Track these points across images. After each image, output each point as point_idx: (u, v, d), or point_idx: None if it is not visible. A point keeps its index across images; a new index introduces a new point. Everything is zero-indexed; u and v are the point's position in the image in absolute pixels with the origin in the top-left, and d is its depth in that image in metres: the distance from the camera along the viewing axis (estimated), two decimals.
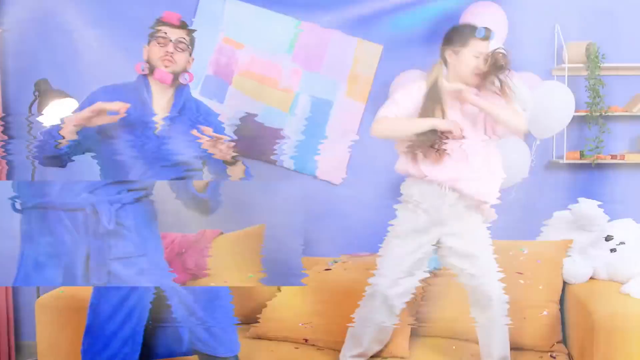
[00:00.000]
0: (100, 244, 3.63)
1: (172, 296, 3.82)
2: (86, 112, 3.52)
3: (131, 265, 3.70)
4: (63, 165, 3.83)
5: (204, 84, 5.95)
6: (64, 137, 3.67)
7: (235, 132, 4.12)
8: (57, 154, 3.69)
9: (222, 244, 5.01)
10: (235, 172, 3.88)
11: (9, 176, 6.03)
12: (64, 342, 4.33)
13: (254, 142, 5.90)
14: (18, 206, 3.75)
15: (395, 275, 4.20)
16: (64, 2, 5.97)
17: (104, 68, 5.78)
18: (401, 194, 4.35)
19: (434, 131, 4.10)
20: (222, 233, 5.05)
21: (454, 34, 4.28)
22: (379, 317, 4.23)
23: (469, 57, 4.16)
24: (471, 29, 4.20)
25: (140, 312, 3.76)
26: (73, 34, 5.97)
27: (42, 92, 5.70)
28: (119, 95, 3.78)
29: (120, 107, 3.51)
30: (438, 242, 4.26)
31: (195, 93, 5.75)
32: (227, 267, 4.81)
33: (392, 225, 4.33)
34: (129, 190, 3.74)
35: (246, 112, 5.88)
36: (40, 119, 5.47)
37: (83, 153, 3.83)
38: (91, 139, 3.77)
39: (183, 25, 3.87)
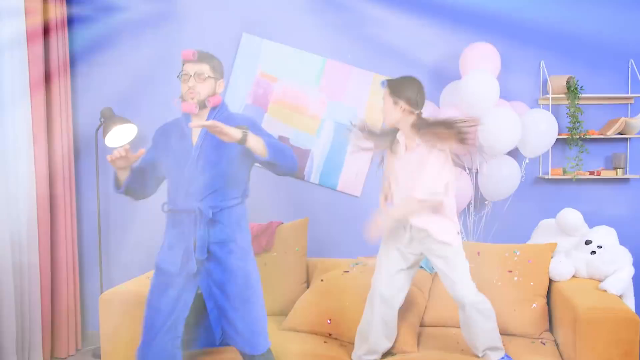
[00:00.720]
0: (204, 232, 3.79)
1: (208, 298, 3.89)
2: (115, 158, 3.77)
3: (223, 247, 3.87)
4: (144, 197, 4.17)
5: (243, 111, 6.01)
6: (119, 179, 3.96)
7: None
8: (118, 192, 4.01)
9: (282, 229, 5.23)
10: (255, 147, 3.63)
11: (77, 189, 6.24)
12: (124, 331, 4.37)
13: None
14: (165, 209, 3.98)
15: (388, 274, 4.23)
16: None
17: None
18: None
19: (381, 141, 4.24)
20: (282, 222, 5.29)
21: None
22: (379, 312, 4.23)
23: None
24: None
25: (182, 307, 3.86)
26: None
27: (107, 119, 5.82)
28: (169, 130, 4.01)
29: (117, 152, 3.73)
30: (422, 253, 4.27)
31: None
32: (284, 244, 5.21)
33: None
34: (228, 199, 3.86)
35: (280, 135, 6.04)
36: (106, 142, 5.68)
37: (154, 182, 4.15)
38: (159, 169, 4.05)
39: (201, 58, 3.80)
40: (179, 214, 3.87)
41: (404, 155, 4.16)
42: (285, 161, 3.78)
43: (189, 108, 3.78)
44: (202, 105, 3.82)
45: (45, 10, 5.74)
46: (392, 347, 4.39)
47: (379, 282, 4.26)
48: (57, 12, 5.86)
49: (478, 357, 4.22)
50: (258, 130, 3.83)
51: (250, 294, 3.90)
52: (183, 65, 3.84)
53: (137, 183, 4.02)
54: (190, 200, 3.82)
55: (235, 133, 3.52)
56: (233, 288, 3.85)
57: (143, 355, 3.87)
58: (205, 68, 3.82)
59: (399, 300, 4.29)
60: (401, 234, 4.23)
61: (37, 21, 5.62)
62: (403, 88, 4.08)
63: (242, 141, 3.56)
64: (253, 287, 3.92)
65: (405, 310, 4.47)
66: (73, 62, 6.21)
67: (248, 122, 3.85)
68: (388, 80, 4.15)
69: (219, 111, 3.91)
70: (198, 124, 3.49)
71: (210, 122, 3.49)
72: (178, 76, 3.87)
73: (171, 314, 3.85)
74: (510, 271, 4.75)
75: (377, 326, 4.25)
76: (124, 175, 3.91)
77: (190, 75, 3.79)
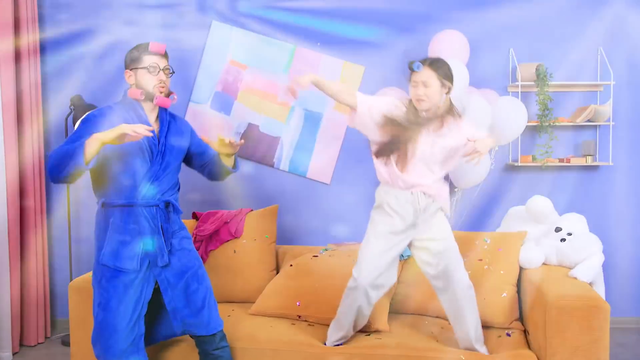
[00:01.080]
0: (170, 225, 3.74)
1: (165, 289, 3.74)
2: (114, 132, 3.36)
3: (176, 236, 3.80)
4: (74, 182, 3.62)
5: (213, 99, 5.89)
6: (86, 158, 3.43)
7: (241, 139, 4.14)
8: (83, 170, 3.43)
9: (252, 216, 5.12)
10: (232, 158, 4.09)
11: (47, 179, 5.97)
12: (92, 319, 4.09)
13: (256, 148, 5.86)
14: (108, 204, 3.71)
15: (374, 271, 4.04)
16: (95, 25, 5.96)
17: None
18: (376, 199, 4.19)
19: (395, 138, 3.96)
20: (252, 210, 5.18)
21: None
22: (359, 305, 4.09)
23: (411, 88, 4.00)
24: (409, 66, 4.00)
25: (142, 304, 3.69)
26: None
27: (77, 106, 5.65)
28: (119, 115, 3.67)
29: (144, 130, 3.38)
30: (411, 242, 4.13)
31: (206, 107, 5.77)
32: (254, 231, 5.09)
33: (371, 224, 4.17)
34: (176, 191, 3.86)
35: (249, 123, 5.89)
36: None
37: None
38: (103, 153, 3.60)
39: (166, 53, 3.77)
40: (137, 207, 3.66)
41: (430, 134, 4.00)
42: (237, 169, 4.25)
43: (165, 102, 3.70)
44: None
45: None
46: (365, 326, 4.32)
47: (364, 277, 4.04)
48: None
49: (466, 349, 4.13)
50: (194, 133, 4.10)
51: (203, 272, 3.90)
52: (146, 55, 3.70)
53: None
54: (152, 193, 3.67)
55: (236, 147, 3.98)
56: (190, 272, 3.80)
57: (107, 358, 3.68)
58: (167, 63, 3.78)
59: (380, 295, 4.15)
60: (407, 222, 4.06)
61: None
62: (446, 69, 3.96)
63: (229, 156, 3.98)
64: (202, 267, 3.93)
65: None
66: (43, 50, 5.98)
67: (187, 123, 4.09)
68: (431, 61, 3.96)
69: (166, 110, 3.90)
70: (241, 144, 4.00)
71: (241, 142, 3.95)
72: (144, 67, 3.70)
73: (133, 313, 3.67)
74: (481, 260, 4.62)
75: (351, 316, 4.14)
76: (95, 152, 3.44)
77: (160, 69, 3.69)
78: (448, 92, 3.97)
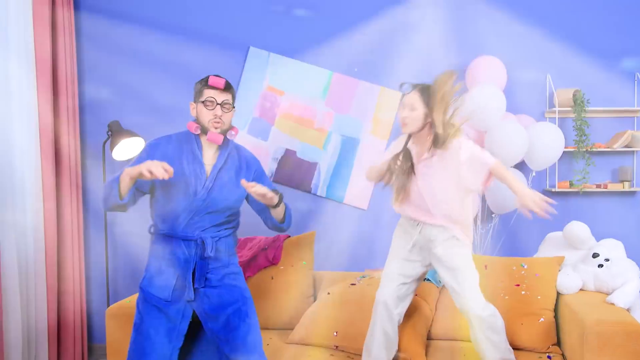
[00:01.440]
0: (204, 262, 3.67)
1: (205, 321, 3.74)
2: (137, 170, 3.41)
3: (218, 272, 3.73)
4: (126, 211, 3.74)
5: (251, 125, 5.95)
6: (121, 193, 3.58)
7: (278, 165, 4.05)
8: (120, 204, 3.59)
9: (289, 243, 5.12)
10: (278, 212, 3.87)
11: (84, 203, 6.10)
12: (128, 345, 4.12)
13: (293, 174, 5.91)
14: (152, 230, 3.79)
15: (392, 288, 4.13)
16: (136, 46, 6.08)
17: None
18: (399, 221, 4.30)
19: (401, 175, 4.03)
20: (289, 236, 5.17)
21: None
22: (381, 323, 4.14)
23: (400, 109, 4.01)
24: (400, 85, 4.05)
25: (177, 336, 3.71)
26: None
27: (115, 132, 5.73)
28: (174, 147, 3.75)
29: (166, 171, 3.39)
30: (430, 264, 4.18)
31: (243, 132, 5.80)
32: (291, 257, 5.08)
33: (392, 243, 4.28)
34: (226, 229, 3.76)
35: (286, 149, 5.95)
36: (114, 155, 5.56)
37: (143, 195, 3.78)
38: (147, 185, 3.72)
39: (227, 87, 3.71)
40: (175, 239, 3.70)
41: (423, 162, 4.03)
42: (288, 226, 4.04)
43: (216, 138, 3.67)
44: (222, 134, 3.72)
45: (53, 22, 5.67)
46: (401, 358, 4.31)
47: (382, 293, 4.17)
48: (65, 23, 5.78)
49: None
50: (265, 175, 3.98)
51: (247, 309, 3.79)
52: (206, 89, 3.69)
53: (132, 198, 3.76)
54: (192, 228, 3.69)
55: (274, 199, 3.70)
56: (231, 308, 3.73)
57: None
58: (230, 98, 3.73)
59: (400, 311, 4.20)
60: (412, 237, 4.13)
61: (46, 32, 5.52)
62: (431, 94, 3.90)
63: (276, 206, 3.69)
64: (247, 304, 3.81)
65: (413, 321, 4.42)
66: (81, 73, 6.12)
67: (258, 162, 3.99)
68: (422, 87, 3.97)
69: (229, 142, 3.82)
70: (248, 185, 3.59)
71: (265, 191, 3.60)
72: (200, 101, 3.71)
73: (164, 340, 3.69)
74: (518, 285, 4.62)
75: (378, 338, 4.17)
76: (128, 187, 3.59)
77: (217, 104, 3.67)
78: (431, 121, 3.93)
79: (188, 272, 3.67)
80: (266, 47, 6.01)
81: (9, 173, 5.21)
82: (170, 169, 3.40)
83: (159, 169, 3.35)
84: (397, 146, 4.14)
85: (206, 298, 3.71)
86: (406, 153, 4.04)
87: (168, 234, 3.69)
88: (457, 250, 4.06)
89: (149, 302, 3.71)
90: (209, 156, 3.75)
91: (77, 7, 6.03)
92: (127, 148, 5.73)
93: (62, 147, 5.74)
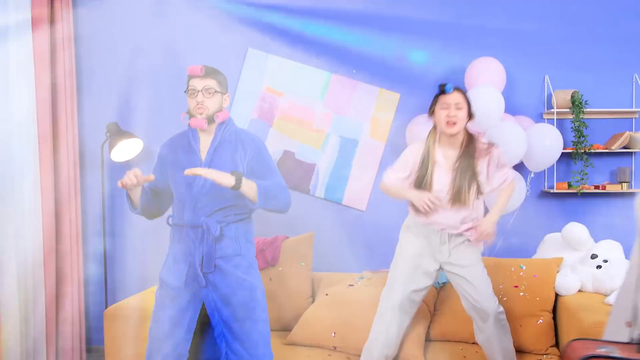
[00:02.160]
0: (210, 248, 3.74)
1: (212, 312, 3.82)
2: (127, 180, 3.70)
3: (229, 261, 3.80)
4: (161, 215, 4.09)
5: (249, 126, 5.98)
6: (133, 205, 3.93)
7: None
8: (138, 213, 3.95)
9: (288, 244, 5.19)
10: (247, 194, 3.67)
11: (82, 205, 6.16)
12: (127, 346, 4.36)
13: (291, 175, 5.93)
14: (170, 222, 3.93)
15: (402, 292, 4.18)
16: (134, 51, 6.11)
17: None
18: (405, 221, 4.37)
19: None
20: (287, 237, 5.25)
21: (433, 100, 4.18)
22: (389, 328, 4.20)
23: (439, 111, 4.07)
24: (440, 88, 4.09)
25: (188, 323, 3.81)
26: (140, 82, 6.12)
27: (113, 133, 5.76)
28: (176, 145, 3.93)
29: (129, 177, 3.67)
30: (441, 267, 4.24)
31: None
32: (290, 258, 5.15)
33: (399, 247, 4.35)
34: (235, 214, 3.81)
35: (285, 150, 5.99)
36: (112, 156, 5.61)
37: (162, 193, 4.02)
38: (160, 183, 3.99)
39: (207, 73, 3.77)
40: (184, 228, 3.82)
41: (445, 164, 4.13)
42: (276, 205, 3.86)
43: (198, 124, 3.76)
44: (210, 120, 3.80)
45: (52, 21, 5.72)
46: (399, 358, 4.36)
47: (393, 298, 4.20)
48: (64, 26, 5.82)
49: None
50: (264, 154, 3.93)
51: (255, 306, 3.84)
52: (189, 80, 3.81)
53: (152, 202, 4.00)
54: (197, 215, 3.78)
55: (228, 180, 3.58)
56: (238, 301, 3.79)
57: None
58: (212, 83, 3.80)
59: (411, 316, 4.28)
60: (433, 246, 4.20)
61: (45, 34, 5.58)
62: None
63: (236, 188, 3.60)
64: (258, 300, 3.87)
65: (412, 322, 4.43)
66: (79, 73, 6.16)
67: (257, 142, 3.92)
68: (457, 87, 4.12)
69: (226, 126, 3.89)
70: (191, 172, 3.53)
71: (204, 171, 3.54)
72: (185, 91, 3.83)
73: (175, 328, 3.79)
74: (516, 286, 4.69)
75: (382, 341, 4.21)
76: (136, 195, 3.86)
77: (198, 91, 3.77)
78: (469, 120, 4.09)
79: (197, 259, 3.76)
80: (264, 48, 6.05)
81: (8, 174, 5.25)
82: (140, 174, 3.67)
83: (129, 177, 3.67)
84: (406, 165, 4.23)
85: (215, 287, 3.79)
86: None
87: (179, 223, 3.84)
88: (472, 249, 4.19)
89: (163, 291, 3.85)
90: (206, 144, 3.86)
91: (75, 6, 6.06)
92: (126, 149, 5.78)
93: (61, 149, 5.77)
